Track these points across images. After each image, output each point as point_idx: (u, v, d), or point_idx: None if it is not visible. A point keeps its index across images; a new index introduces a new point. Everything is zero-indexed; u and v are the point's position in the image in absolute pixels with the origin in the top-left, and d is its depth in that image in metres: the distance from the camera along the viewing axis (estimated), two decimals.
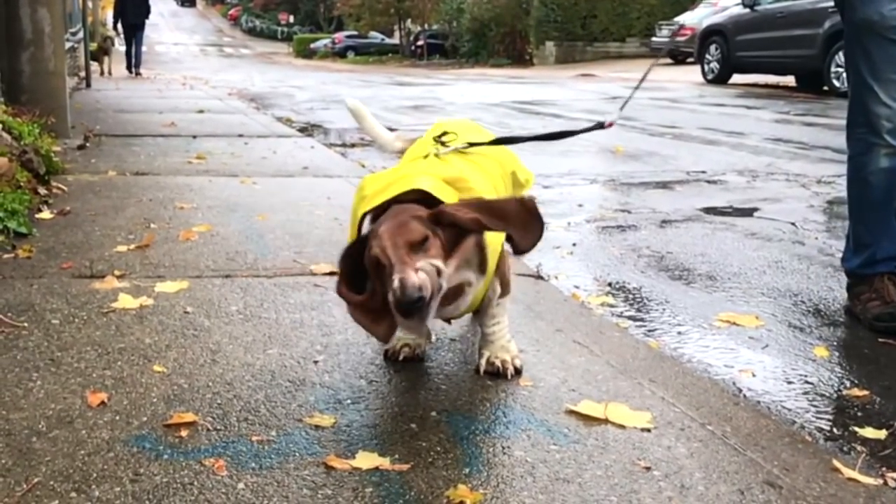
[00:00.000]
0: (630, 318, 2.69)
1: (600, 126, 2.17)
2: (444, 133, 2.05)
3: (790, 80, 14.28)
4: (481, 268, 1.75)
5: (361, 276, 1.68)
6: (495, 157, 2.09)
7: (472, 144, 2.03)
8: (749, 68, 14.37)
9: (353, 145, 7.22)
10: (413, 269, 1.53)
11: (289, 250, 3.00)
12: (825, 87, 12.25)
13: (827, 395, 2.13)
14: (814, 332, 2.56)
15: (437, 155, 1.94)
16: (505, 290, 1.91)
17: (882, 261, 2.61)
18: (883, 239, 2.61)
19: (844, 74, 11.92)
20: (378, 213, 1.73)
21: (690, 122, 8.73)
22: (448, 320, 1.99)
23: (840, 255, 2.90)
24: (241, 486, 1.42)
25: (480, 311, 1.93)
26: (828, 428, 1.95)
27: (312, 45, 46.45)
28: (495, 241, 1.78)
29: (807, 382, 2.20)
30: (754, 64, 14.13)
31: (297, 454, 1.53)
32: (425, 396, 1.81)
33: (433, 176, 1.77)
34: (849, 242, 2.73)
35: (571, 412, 1.74)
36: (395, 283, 1.52)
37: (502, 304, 1.93)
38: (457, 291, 1.69)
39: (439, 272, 1.57)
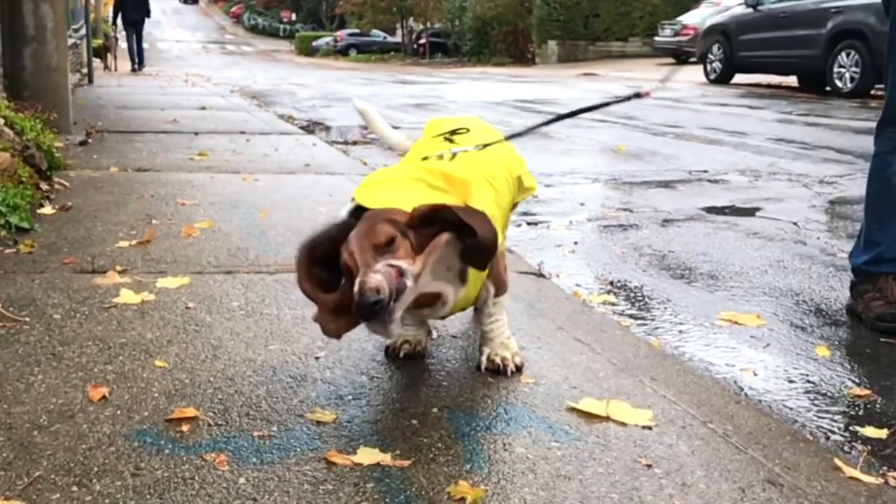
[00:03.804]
0: (631, 316, 2.69)
1: (637, 96, 2.09)
2: (455, 131, 2.04)
3: (793, 81, 14.27)
4: (462, 276, 1.71)
5: (324, 269, 1.65)
6: (504, 161, 2.06)
7: (486, 145, 1.99)
8: (751, 68, 14.36)
9: (354, 143, 7.22)
10: (372, 272, 1.49)
11: (290, 247, 3.00)
12: (828, 88, 12.24)
13: (828, 394, 2.12)
14: (815, 332, 2.56)
15: (452, 156, 1.91)
16: (500, 289, 1.90)
17: (889, 261, 2.60)
18: (894, 240, 2.60)
19: (847, 75, 11.99)
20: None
21: (693, 121, 8.72)
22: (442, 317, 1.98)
23: (842, 254, 2.90)
24: (241, 480, 1.42)
25: (478, 310, 1.93)
26: (829, 427, 1.95)
27: (314, 43, 46.41)
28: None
29: (808, 381, 2.20)
30: (757, 64, 14.12)
31: (298, 449, 1.53)
32: (426, 393, 1.80)
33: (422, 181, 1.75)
34: (859, 239, 2.72)
35: (573, 409, 1.74)
36: (356, 287, 1.49)
37: (500, 303, 1.92)
38: (432, 298, 1.67)
39: (402, 272, 1.52)
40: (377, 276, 1.49)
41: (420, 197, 1.67)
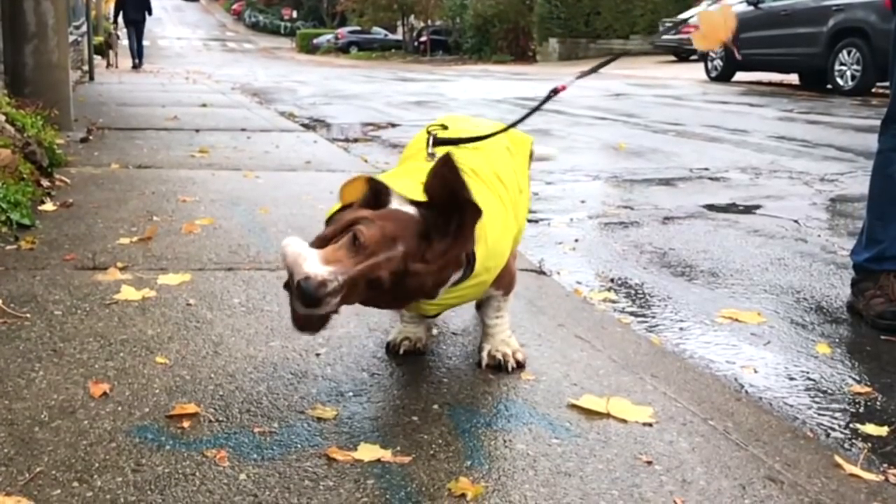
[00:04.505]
0: (632, 313, 2.69)
1: (554, 92, 2.09)
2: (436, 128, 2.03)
3: (794, 78, 14.27)
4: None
5: None
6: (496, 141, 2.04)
7: (439, 141, 1.91)
8: (753, 66, 14.35)
9: (355, 140, 7.22)
10: (332, 268, 1.43)
11: None
12: (829, 86, 12.24)
13: (829, 391, 2.13)
14: (816, 329, 2.56)
15: (431, 155, 1.89)
16: (508, 288, 1.91)
17: (891, 258, 2.60)
18: None
19: (848, 73, 12.00)
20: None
21: (693, 119, 8.72)
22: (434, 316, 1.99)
23: (843, 252, 2.89)
24: (242, 476, 1.43)
25: (483, 304, 1.93)
26: (829, 424, 1.95)
27: (315, 41, 46.40)
28: (502, 248, 1.77)
29: (809, 379, 2.20)
30: (758, 62, 14.11)
31: (298, 446, 1.54)
32: (427, 389, 1.81)
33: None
34: (861, 236, 2.72)
35: (573, 406, 1.74)
36: (311, 264, 1.43)
37: (506, 300, 1.92)
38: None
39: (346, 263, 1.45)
40: (330, 277, 1.41)
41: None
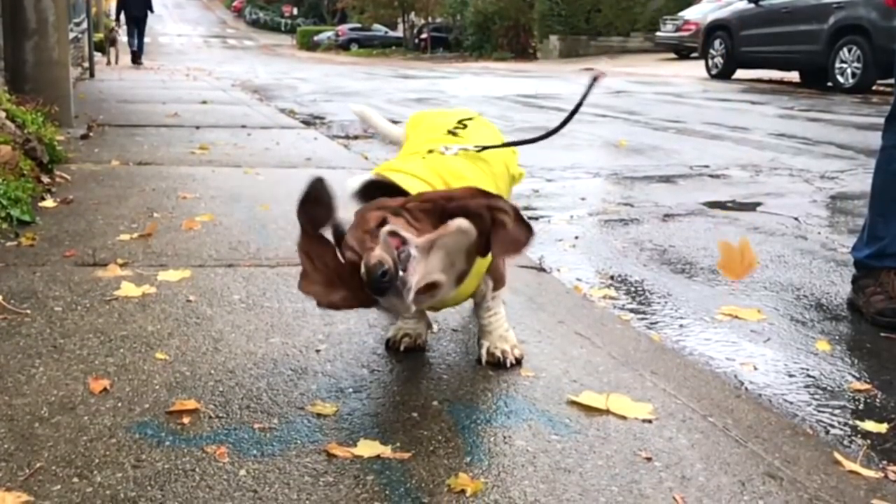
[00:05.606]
0: (632, 310, 2.69)
1: (594, 80, 2.07)
2: (459, 124, 2.07)
3: (794, 76, 14.26)
4: (460, 278, 1.67)
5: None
6: (500, 156, 2.07)
7: (483, 148, 1.99)
8: (753, 64, 14.35)
9: (356, 137, 7.21)
10: (371, 249, 1.50)
11: (291, 240, 2.99)
12: (829, 83, 12.23)
13: (828, 388, 2.13)
14: (816, 326, 2.56)
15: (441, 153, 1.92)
16: (499, 283, 1.91)
17: (891, 255, 2.59)
18: None
19: (849, 70, 12.00)
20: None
21: (694, 116, 8.71)
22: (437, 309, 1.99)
23: (843, 249, 2.89)
24: (242, 472, 1.43)
25: (476, 304, 1.93)
26: (829, 421, 1.95)
27: (316, 38, 46.33)
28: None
29: (808, 376, 2.20)
30: (758, 59, 14.11)
31: (298, 442, 1.54)
32: (427, 386, 1.81)
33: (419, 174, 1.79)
34: (863, 233, 2.72)
35: (573, 403, 1.74)
36: (362, 270, 1.48)
37: (497, 297, 1.93)
38: (428, 287, 1.60)
39: (404, 241, 1.51)
40: (377, 251, 1.48)
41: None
